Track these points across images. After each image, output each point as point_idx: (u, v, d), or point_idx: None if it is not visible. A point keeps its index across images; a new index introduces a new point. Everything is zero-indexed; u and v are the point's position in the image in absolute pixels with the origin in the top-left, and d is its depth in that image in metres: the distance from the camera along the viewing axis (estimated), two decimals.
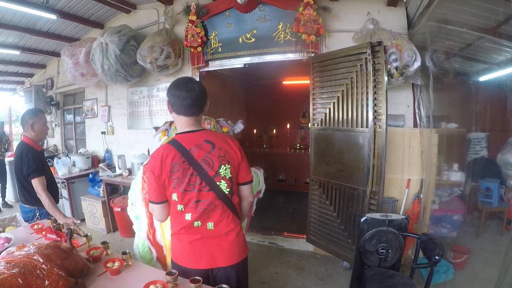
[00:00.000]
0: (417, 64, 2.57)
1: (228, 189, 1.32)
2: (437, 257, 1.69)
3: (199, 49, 3.45)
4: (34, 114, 2.22)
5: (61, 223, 1.91)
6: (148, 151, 4.09)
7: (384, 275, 1.94)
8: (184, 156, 1.26)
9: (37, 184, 2.05)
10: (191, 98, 1.30)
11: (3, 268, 1.05)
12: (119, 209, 3.57)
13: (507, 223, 3.03)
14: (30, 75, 6.07)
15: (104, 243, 1.57)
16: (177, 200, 1.28)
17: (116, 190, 4.13)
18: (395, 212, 2.73)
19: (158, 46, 3.38)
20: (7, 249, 1.42)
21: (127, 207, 2.07)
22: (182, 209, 1.28)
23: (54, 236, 1.48)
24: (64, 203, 4.22)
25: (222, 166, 1.29)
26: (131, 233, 3.67)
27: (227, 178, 1.31)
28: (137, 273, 1.38)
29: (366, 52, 2.44)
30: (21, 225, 2.13)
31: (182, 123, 1.35)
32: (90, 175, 4.13)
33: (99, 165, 4.32)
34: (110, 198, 3.79)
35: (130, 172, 3.82)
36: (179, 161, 1.25)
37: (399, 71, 2.56)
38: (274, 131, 6.05)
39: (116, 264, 1.39)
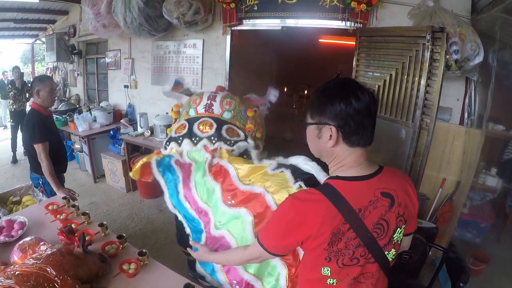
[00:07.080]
0: (479, 59, 2.20)
1: (394, 256, 0.97)
2: (461, 284, 1.62)
3: (233, 5, 3.12)
4: (40, 81, 2.24)
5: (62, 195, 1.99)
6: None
7: (402, 284, 1.90)
8: (350, 221, 0.85)
9: (40, 149, 2.08)
10: (373, 115, 0.88)
11: (14, 283, 1.01)
12: None
13: None
14: (53, 22, 5.78)
15: (120, 237, 1.50)
16: (329, 274, 0.91)
17: (137, 148, 4.10)
18: (424, 211, 2.61)
19: (187, 0, 3.06)
20: (21, 242, 1.36)
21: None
22: (333, 283, 0.92)
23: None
24: (85, 158, 4.27)
25: (398, 229, 0.92)
26: (150, 194, 3.71)
27: (398, 243, 0.96)
28: (155, 274, 1.36)
29: (425, 37, 2.07)
30: (37, 194, 2.16)
31: (352, 160, 0.91)
32: (111, 132, 4.09)
33: (121, 120, 4.27)
34: (131, 157, 3.77)
35: (152, 132, 3.75)
36: (342, 228, 0.85)
37: (458, 65, 2.21)
38: (306, 91, 5.66)
39: (132, 266, 1.34)
